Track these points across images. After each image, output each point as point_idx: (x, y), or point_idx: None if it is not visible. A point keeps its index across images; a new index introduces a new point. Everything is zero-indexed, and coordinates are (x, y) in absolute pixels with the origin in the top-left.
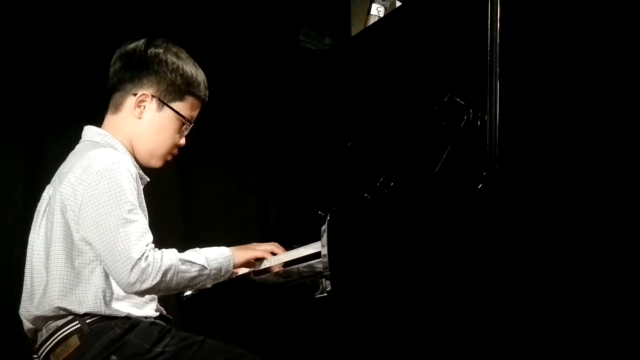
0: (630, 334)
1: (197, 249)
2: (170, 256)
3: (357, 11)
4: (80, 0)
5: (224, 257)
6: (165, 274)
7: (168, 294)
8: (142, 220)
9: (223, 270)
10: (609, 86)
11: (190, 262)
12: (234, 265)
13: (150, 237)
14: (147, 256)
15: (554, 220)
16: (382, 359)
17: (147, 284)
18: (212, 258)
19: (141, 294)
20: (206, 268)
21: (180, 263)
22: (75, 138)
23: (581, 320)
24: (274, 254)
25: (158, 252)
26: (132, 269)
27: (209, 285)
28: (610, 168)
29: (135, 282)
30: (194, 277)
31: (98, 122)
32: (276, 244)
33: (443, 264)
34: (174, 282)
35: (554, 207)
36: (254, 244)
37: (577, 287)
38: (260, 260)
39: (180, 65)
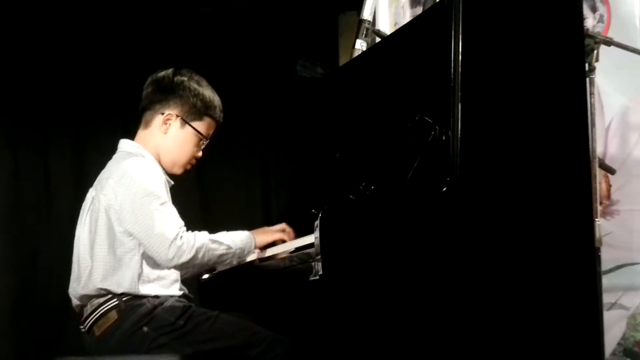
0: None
1: (224, 232)
2: (202, 236)
3: (344, 45)
4: (111, 37)
5: (247, 239)
6: (198, 250)
7: (201, 269)
8: (173, 209)
9: (246, 250)
10: (538, 113)
11: (218, 241)
12: (255, 246)
13: (181, 222)
14: (181, 236)
15: (500, 215)
16: (362, 327)
17: (183, 259)
18: (237, 240)
19: (179, 267)
20: (232, 247)
21: (210, 242)
22: (112, 149)
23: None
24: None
25: (191, 233)
26: (169, 247)
27: (235, 263)
28: (539, 173)
29: (173, 258)
30: (222, 255)
31: (131, 135)
32: (285, 224)
33: (410, 251)
34: (205, 258)
35: (501, 204)
36: (266, 227)
37: (516, 269)
38: (264, 248)
39: (201, 92)
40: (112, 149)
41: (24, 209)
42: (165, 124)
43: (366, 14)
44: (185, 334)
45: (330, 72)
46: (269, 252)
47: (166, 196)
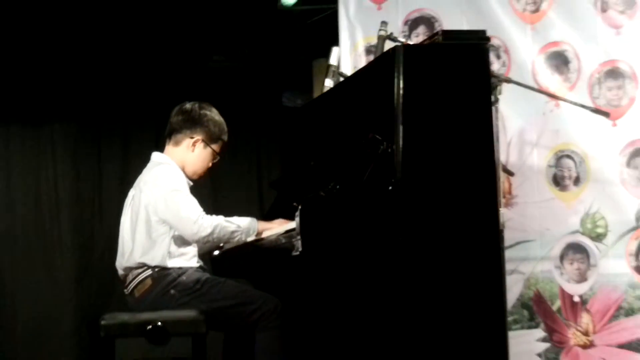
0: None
1: (235, 218)
2: (217, 218)
3: (317, 83)
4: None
5: (251, 222)
6: (215, 227)
7: (218, 243)
8: (194, 199)
9: (251, 230)
10: (457, 132)
11: (230, 222)
12: (258, 230)
13: (200, 208)
14: (202, 217)
15: (431, 206)
16: (330, 288)
17: (204, 233)
18: (244, 222)
19: (201, 241)
20: (240, 226)
21: (224, 221)
22: (147, 159)
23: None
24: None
25: (208, 215)
26: (193, 225)
27: (242, 239)
28: (459, 175)
29: (196, 232)
30: (233, 232)
31: (160, 149)
32: (280, 219)
33: (365, 232)
34: (221, 233)
35: (431, 198)
36: (266, 222)
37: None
38: (261, 232)
39: (218, 122)
40: (146, 159)
41: (83, 203)
42: (193, 145)
43: (333, 61)
44: (201, 295)
45: (307, 103)
46: (265, 234)
47: (188, 191)
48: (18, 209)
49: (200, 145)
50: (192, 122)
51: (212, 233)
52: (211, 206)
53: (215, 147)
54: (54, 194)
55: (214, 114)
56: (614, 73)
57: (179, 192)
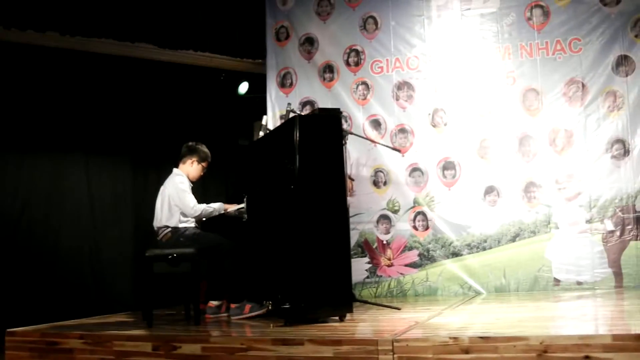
0: None
1: (213, 203)
2: (203, 205)
3: (256, 133)
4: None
5: (220, 205)
6: (202, 210)
7: (206, 217)
8: (192, 195)
9: (221, 209)
10: (324, 161)
11: (210, 206)
12: (225, 208)
13: (195, 200)
14: (195, 204)
15: (313, 197)
16: (263, 239)
17: (197, 214)
18: (217, 205)
19: (196, 216)
20: (215, 208)
21: (206, 206)
22: (169, 171)
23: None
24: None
25: (199, 204)
26: (191, 209)
27: (217, 214)
28: (325, 182)
29: (192, 213)
30: (211, 212)
31: (176, 165)
32: (233, 204)
33: (279, 210)
34: (205, 213)
35: (313, 193)
36: (228, 204)
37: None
38: (226, 209)
39: (205, 151)
40: (169, 172)
41: (140, 198)
42: (192, 163)
43: (263, 122)
44: (195, 241)
45: (250, 143)
46: (229, 210)
47: (190, 190)
48: (98, 204)
49: (195, 163)
50: (192, 151)
51: (201, 213)
52: (201, 197)
53: (204, 164)
54: (124, 194)
55: (203, 147)
56: (402, 130)
57: (184, 190)
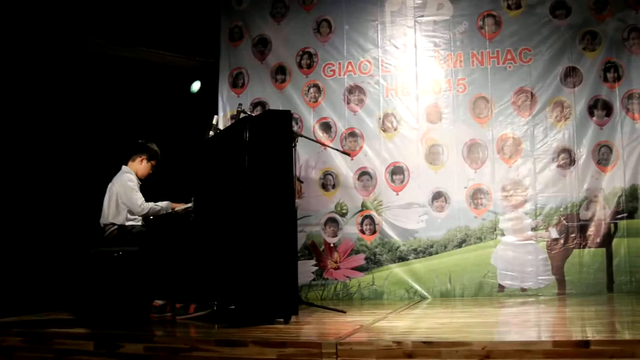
0: None
1: (160, 201)
2: (150, 204)
3: (207, 133)
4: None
5: (168, 204)
6: (149, 209)
7: (153, 215)
8: (140, 194)
9: (169, 208)
10: (273, 163)
11: (157, 205)
12: (172, 207)
13: (143, 198)
14: (143, 202)
15: (262, 196)
16: (209, 234)
17: (144, 212)
18: (165, 204)
19: (142, 215)
20: (163, 207)
21: (154, 205)
22: (118, 168)
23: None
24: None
25: (147, 202)
26: (138, 207)
27: (163, 212)
28: (277, 183)
29: (140, 212)
30: (159, 210)
31: (125, 163)
32: (181, 203)
33: (229, 209)
34: (153, 211)
35: (252, 196)
36: (176, 203)
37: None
38: (175, 208)
39: (156, 150)
40: (118, 168)
41: (95, 192)
42: (141, 161)
43: (214, 122)
44: (140, 237)
45: (204, 141)
46: (177, 209)
47: (138, 188)
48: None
49: (145, 162)
50: (141, 149)
51: (148, 212)
52: (150, 196)
53: (153, 162)
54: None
55: (153, 146)
56: (352, 134)
57: (132, 188)
